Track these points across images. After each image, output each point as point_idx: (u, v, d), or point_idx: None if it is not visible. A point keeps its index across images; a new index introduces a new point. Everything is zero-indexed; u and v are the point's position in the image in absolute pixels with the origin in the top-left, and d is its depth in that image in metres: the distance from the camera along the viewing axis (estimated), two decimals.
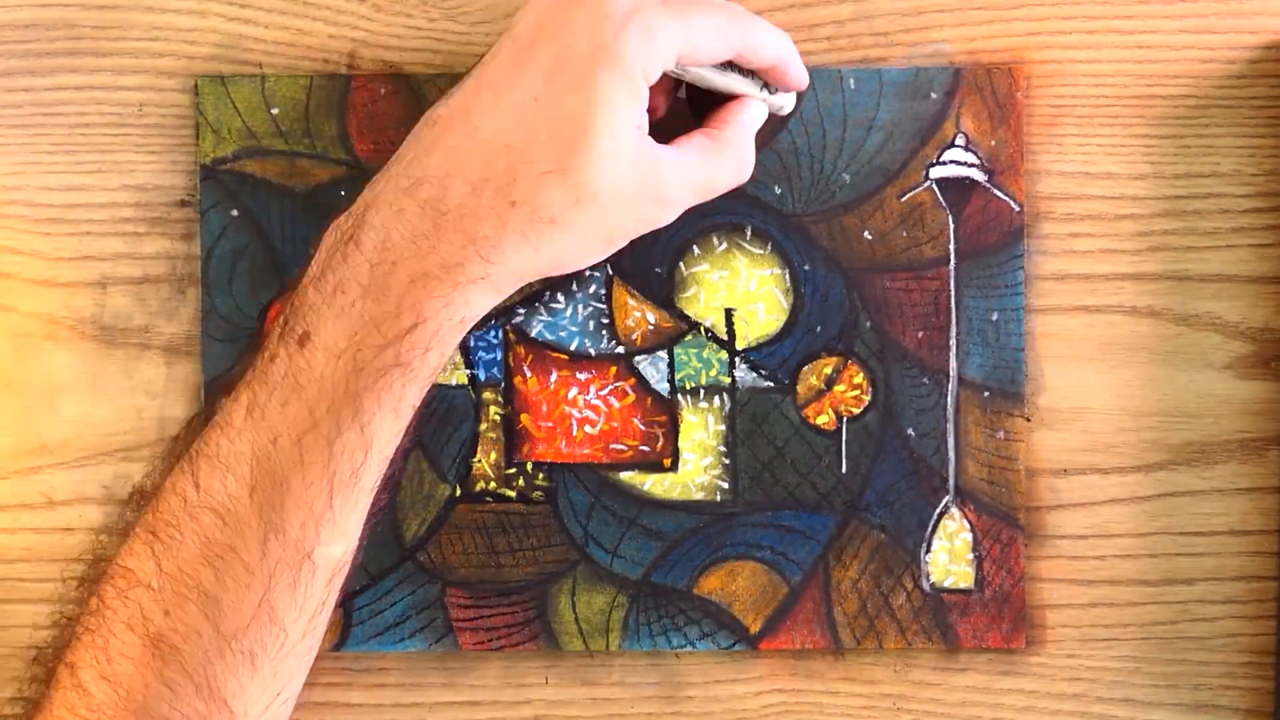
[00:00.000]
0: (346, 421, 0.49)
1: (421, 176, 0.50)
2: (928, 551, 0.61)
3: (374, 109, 0.60)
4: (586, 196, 0.50)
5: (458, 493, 0.61)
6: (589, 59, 0.50)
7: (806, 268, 0.60)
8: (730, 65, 0.55)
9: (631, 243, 0.60)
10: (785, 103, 0.58)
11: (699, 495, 0.61)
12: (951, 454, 0.60)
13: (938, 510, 0.61)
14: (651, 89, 0.52)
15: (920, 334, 0.60)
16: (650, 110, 0.53)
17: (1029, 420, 0.61)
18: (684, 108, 0.58)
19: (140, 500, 0.53)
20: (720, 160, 0.54)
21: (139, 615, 0.50)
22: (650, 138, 0.52)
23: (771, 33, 0.55)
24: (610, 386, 0.61)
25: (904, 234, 0.60)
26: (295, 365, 0.50)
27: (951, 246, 0.60)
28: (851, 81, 0.60)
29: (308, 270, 0.51)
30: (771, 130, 0.60)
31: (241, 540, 0.49)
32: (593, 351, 0.61)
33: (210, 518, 0.50)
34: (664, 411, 0.61)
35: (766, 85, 0.57)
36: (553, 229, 0.50)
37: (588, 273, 0.60)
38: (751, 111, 0.56)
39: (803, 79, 0.57)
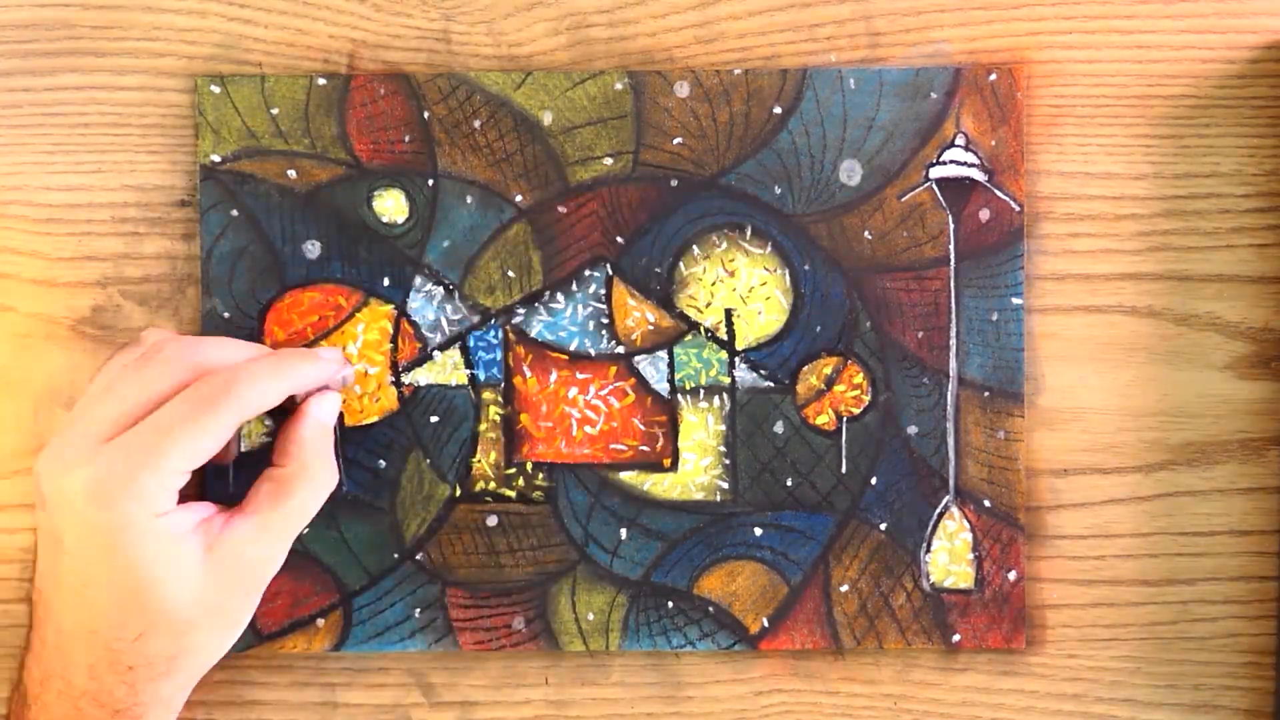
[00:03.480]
0: None
1: (47, 674, 0.54)
2: (928, 551, 0.61)
3: (374, 109, 0.60)
4: (187, 624, 0.53)
5: (458, 493, 0.61)
6: (101, 535, 0.52)
7: (806, 268, 0.60)
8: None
9: (631, 242, 0.60)
10: (339, 379, 0.58)
11: (699, 495, 0.61)
12: (951, 454, 0.60)
13: (938, 510, 0.61)
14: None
15: (920, 334, 0.60)
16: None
17: (1024, 417, 0.61)
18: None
19: None
20: (292, 498, 0.55)
21: None
22: (219, 521, 0.54)
23: (259, 380, 0.54)
24: (610, 386, 0.61)
25: (904, 234, 0.60)
26: None
27: (951, 246, 0.60)
28: (851, 81, 0.60)
29: None
30: (771, 130, 0.60)
31: None
32: (593, 351, 0.61)
33: None
34: (664, 411, 0.61)
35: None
36: (181, 658, 0.53)
37: (588, 272, 0.60)
38: (312, 422, 0.56)
39: (321, 377, 0.57)
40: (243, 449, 0.60)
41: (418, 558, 0.61)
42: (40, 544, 0.54)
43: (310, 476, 0.55)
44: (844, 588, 0.61)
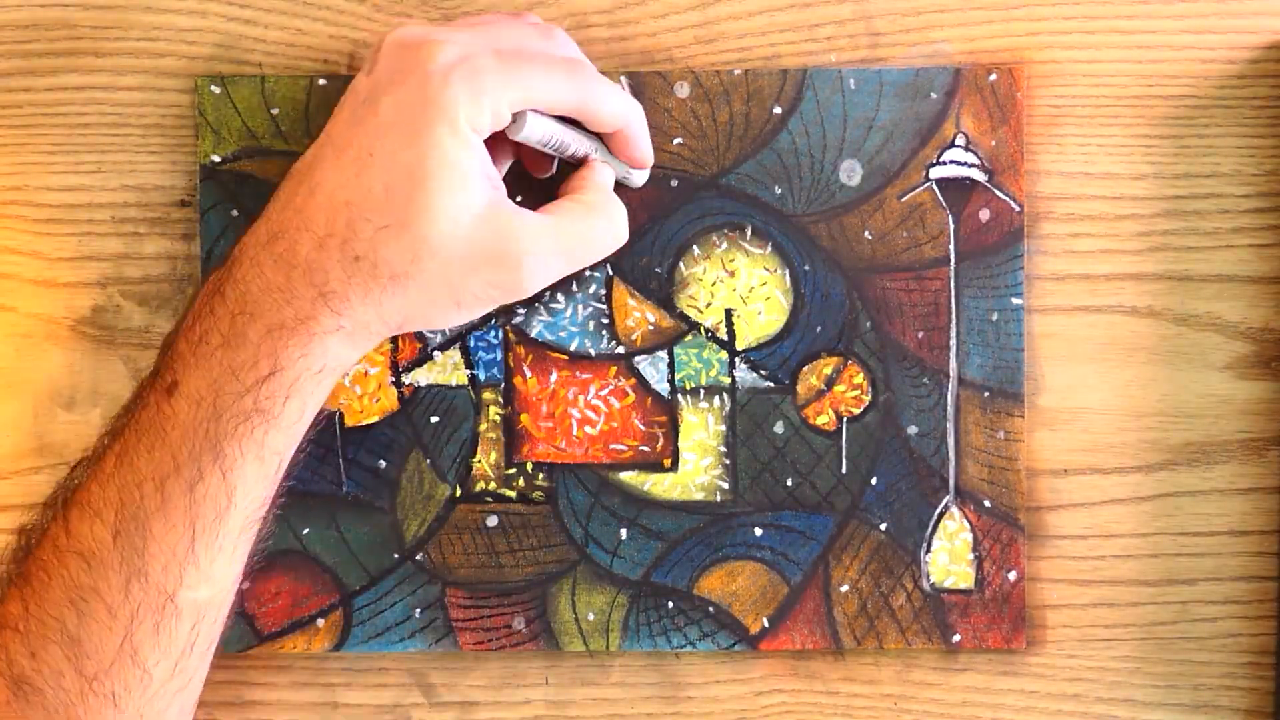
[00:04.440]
0: (208, 466, 0.50)
1: (277, 231, 0.51)
2: (928, 551, 0.61)
3: None
4: (425, 252, 0.50)
5: (458, 493, 0.61)
6: (417, 112, 0.50)
7: (806, 268, 0.60)
8: (574, 127, 0.55)
9: (632, 242, 0.60)
10: (634, 175, 0.58)
11: (699, 495, 0.61)
12: (951, 454, 0.60)
13: (938, 510, 0.61)
14: (521, 147, 0.55)
15: (920, 334, 0.60)
16: (532, 168, 0.55)
17: (1024, 417, 0.61)
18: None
19: (23, 551, 0.53)
20: (588, 225, 0.54)
21: (4, 657, 0.51)
22: (508, 199, 0.52)
23: (616, 95, 0.54)
24: (610, 386, 0.61)
25: (904, 234, 0.60)
26: (162, 413, 0.51)
27: (951, 246, 0.60)
28: (851, 81, 0.60)
29: (180, 322, 0.52)
30: (771, 130, 0.60)
31: (104, 582, 0.50)
32: (593, 351, 0.61)
33: (76, 562, 0.51)
34: (664, 411, 0.61)
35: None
36: (394, 284, 0.51)
37: (587, 273, 0.60)
38: (603, 173, 0.56)
39: (646, 155, 0.57)
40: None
41: (418, 558, 0.61)
42: (345, 100, 0.52)
43: (608, 213, 0.55)
44: (844, 588, 0.61)
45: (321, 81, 0.60)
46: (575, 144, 0.55)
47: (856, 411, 0.61)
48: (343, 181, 0.51)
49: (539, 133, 0.53)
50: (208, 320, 0.51)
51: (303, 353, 0.51)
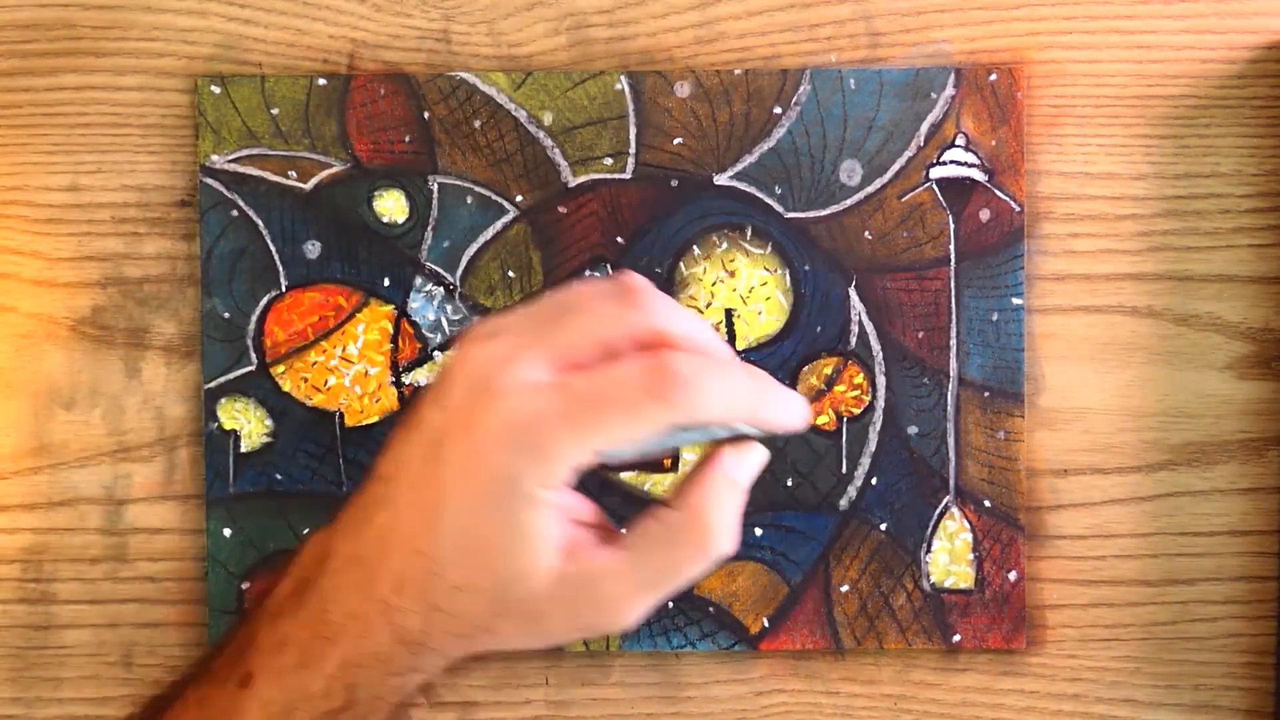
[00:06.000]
0: None
1: (360, 553, 0.48)
2: (928, 551, 0.61)
3: (374, 109, 0.60)
4: (504, 611, 0.47)
5: None
6: (482, 477, 0.46)
7: (806, 268, 0.60)
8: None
9: (631, 242, 0.59)
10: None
11: None
12: (951, 454, 0.60)
13: (938, 510, 0.60)
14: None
15: (920, 334, 0.60)
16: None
17: (1024, 417, 0.61)
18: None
19: None
20: (668, 555, 0.48)
21: None
22: (589, 538, 0.48)
23: (725, 391, 0.46)
24: None
25: (904, 234, 0.60)
26: (236, 704, 0.49)
27: (951, 246, 0.60)
28: (851, 81, 0.60)
29: (279, 586, 0.50)
30: (771, 130, 0.60)
31: None
32: None
33: None
34: None
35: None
36: (480, 633, 0.48)
37: (588, 272, 0.60)
38: (724, 474, 0.48)
39: (784, 418, 0.48)
40: (242, 449, 0.60)
41: None
42: (417, 423, 0.47)
43: (703, 534, 0.47)
44: (844, 588, 0.61)
45: (321, 81, 0.60)
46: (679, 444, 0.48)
47: (856, 411, 0.61)
48: (416, 529, 0.47)
49: (620, 463, 0.49)
50: (288, 624, 0.48)
51: (377, 692, 0.48)
